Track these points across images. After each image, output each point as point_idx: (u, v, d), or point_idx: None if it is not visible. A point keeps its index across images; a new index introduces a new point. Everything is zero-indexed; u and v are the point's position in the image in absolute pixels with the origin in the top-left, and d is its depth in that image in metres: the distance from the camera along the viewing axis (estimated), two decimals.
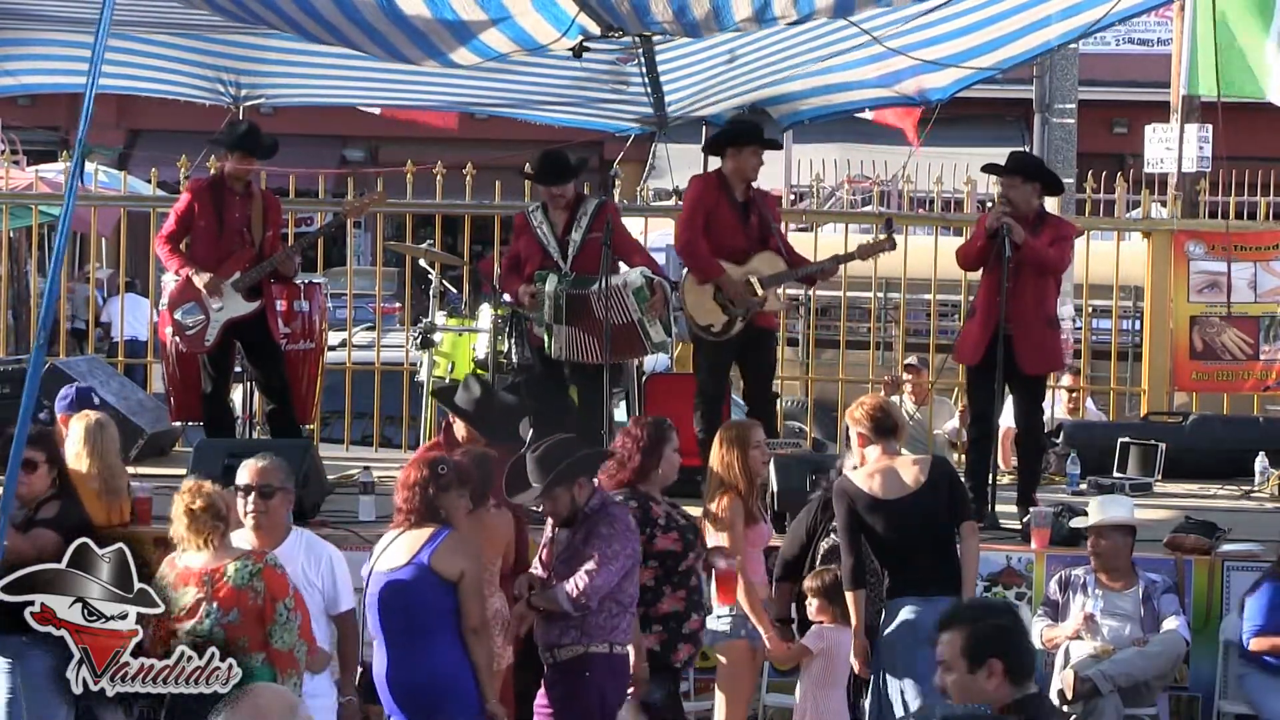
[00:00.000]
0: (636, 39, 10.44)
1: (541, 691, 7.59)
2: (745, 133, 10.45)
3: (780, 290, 10.50)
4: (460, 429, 8.52)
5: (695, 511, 9.65)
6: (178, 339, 10.62)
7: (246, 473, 7.52)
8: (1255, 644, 8.79)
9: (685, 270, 10.39)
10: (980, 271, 10.07)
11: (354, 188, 12.95)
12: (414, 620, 7.23)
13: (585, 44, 9.13)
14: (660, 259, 13.43)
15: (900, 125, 14.69)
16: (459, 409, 8.61)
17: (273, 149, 10.74)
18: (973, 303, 10.14)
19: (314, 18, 8.73)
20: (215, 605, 6.92)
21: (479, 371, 10.35)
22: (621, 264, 10.13)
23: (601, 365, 9.89)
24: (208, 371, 10.65)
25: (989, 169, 10.38)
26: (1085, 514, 9.15)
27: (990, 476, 9.87)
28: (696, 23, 8.61)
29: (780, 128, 13.58)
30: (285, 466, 7.72)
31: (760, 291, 10.20)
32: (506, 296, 10.29)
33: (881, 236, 10.70)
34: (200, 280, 10.39)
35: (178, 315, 10.49)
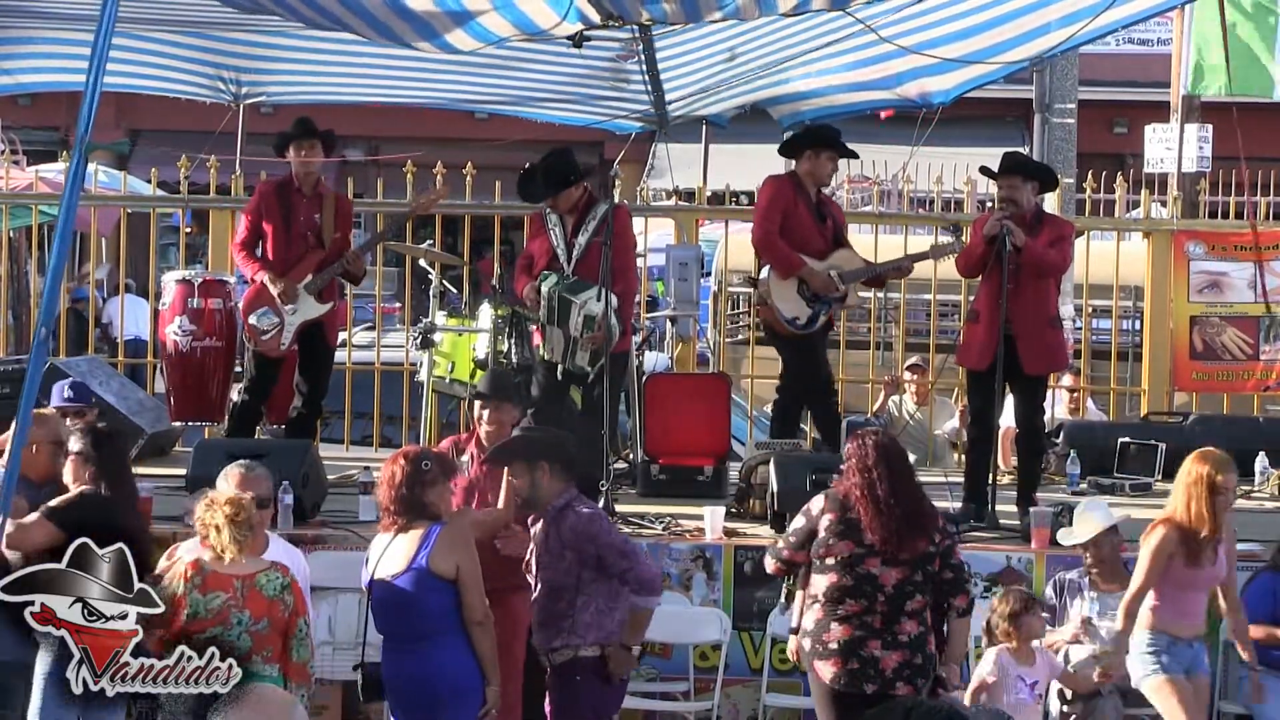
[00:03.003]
0: (636, 31, 10.43)
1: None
2: (825, 138, 10.63)
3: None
4: (485, 431, 8.47)
5: (692, 512, 9.69)
6: (252, 342, 10.59)
7: (234, 481, 7.57)
8: (1250, 633, 8.80)
9: (766, 266, 10.47)
10: (979, 277, 10.10)
11: (353, 187, 12.95)
12: (417, 624, 7.30)
13: (585, 34, 9.13)
14: (659, 259, 13.48)
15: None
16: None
17: (329, 133, 10.73)
18: (974, 306, 10.14)
19: (310, 5, 8.69)
20: (247, 613, 7.04)
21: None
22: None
23: (600, 367, 9.90)
24: (253, 373, 10.65)
25: (985, 172, 10.40)
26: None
27: (990, 476, 9.89)
28: (696, 4, 8.59)
29: (781, 129, 13.58)
30: (270, 476, 7.83)
31: (841, 286, 10.34)
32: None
33: (949, 239, 10.98)
34: (276, 289, 10.41)
35: (252, 320, 10.49)
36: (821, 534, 7.46)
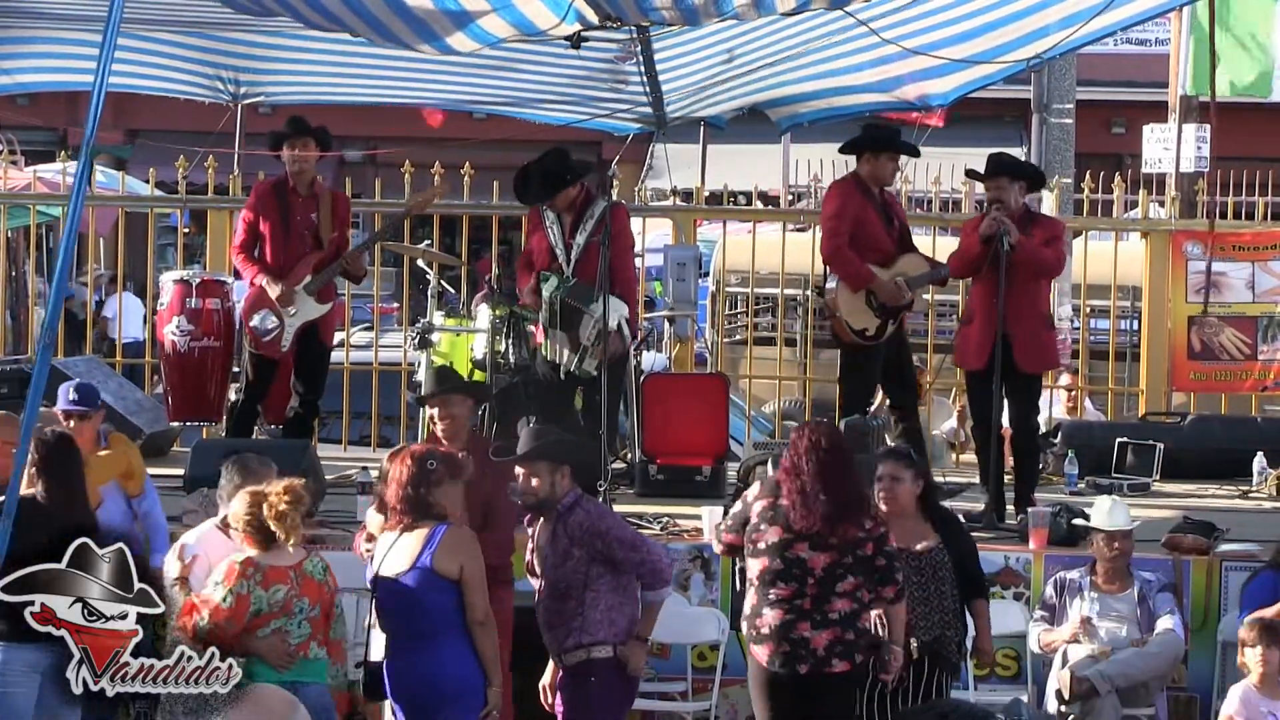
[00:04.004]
0: (634, 32, 10.44)
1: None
2: (885, 139, 10.64)
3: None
4: (440, 430, 8.39)
5: (690, 512, 9.69)
6: (253, 345, 10.58)
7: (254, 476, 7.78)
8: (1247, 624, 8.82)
9: (835, 278, 10.46)
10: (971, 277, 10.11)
11: (351, 187, 12.96)
12: (420, 623, 7.30)
13: (584, 35, 9.13)
14: (657, 259, 13.47)
15: (929, 122, 14.77)
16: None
17: (322, 130, 10.72)
18: (967, 307, 10.15)
19: (310, 4, 8.70)
20: (305, 600, 7.26)
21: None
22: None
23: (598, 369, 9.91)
24: (251, 375, 10.65)
25: (971, 175, 10.42)
26: (1084, 514, 9.16)
27: (1002, 477, 9.93)
28: (695, 8, 8.60)
29: (779, 130, 13.59)
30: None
31: (908, 294, 10.34)
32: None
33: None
34: (274, 292, 10.40)
35: (253, 322, 10.49)
36: (754, 519, 7.60)
